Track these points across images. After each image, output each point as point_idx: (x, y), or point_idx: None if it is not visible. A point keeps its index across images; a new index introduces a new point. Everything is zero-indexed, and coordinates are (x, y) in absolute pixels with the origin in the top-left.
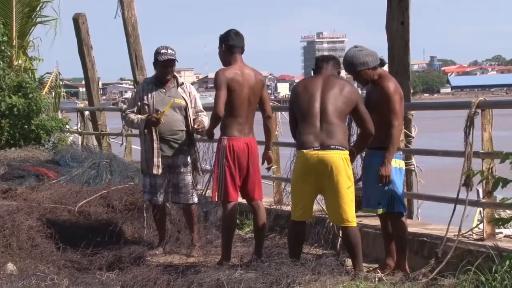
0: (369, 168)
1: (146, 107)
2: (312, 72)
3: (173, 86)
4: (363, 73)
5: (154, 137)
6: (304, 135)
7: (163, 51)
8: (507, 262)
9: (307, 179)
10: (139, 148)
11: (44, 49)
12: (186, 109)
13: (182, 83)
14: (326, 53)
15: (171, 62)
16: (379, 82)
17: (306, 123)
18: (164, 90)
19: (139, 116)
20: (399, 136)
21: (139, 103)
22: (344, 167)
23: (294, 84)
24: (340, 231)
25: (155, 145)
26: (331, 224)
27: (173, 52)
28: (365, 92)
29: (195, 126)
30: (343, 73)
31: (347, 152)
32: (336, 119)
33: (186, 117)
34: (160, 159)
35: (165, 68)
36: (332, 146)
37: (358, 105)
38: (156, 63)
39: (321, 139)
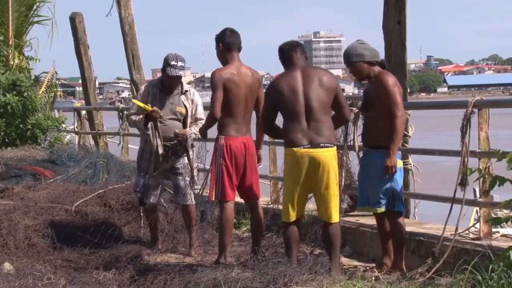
0: (369, 166)
1: None
2: (282, 63)
3: (176, 93)
4: (358, 65)
5: (158, 139)
6: (293, 133)
7: (173, 62)
8: (504, 261)
9: (297, 177)
10: (136, 147)
11: (42, 49)
12: (185, 117)
13: (187, 90)
14: (323, 52)
15: (179, 78)
16: (377, 78)
17: (293, 121)
18: (167, 97)
19: (140, 116)
20: (403, 127)
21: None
22: (333, 164)
23: (272, 80)
24: (326, 227)
25: (158, 143)
26: None
27: (183, 65)
28: (362, 91)
29: (177, 131)
30: (339, 72)
31: (335, 148)
32: (322, 116)
33: (184, 125)
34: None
35: (171, 81)
36: (321, 144)
37: (337, 91)
38: (164, 71)
39: (310, 137)
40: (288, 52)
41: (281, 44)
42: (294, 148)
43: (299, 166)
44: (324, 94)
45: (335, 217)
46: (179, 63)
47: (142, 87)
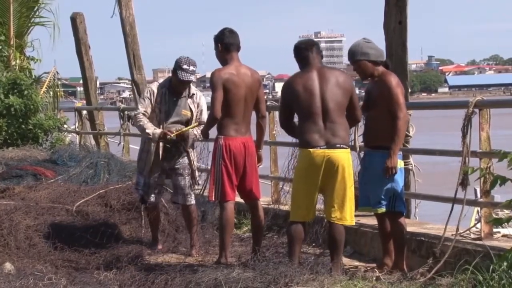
0: (370, 167)
1: (157, 110)
2: (297, 62)
3: (184, 96)
4: (362, 64)
5: (160, 147)
6: (309, 134)
7: (185, 66)
8: (505, 262)
9: (312, 178)
10: (137, 147)
11: (43, 50)
12: (189, 121)
13: (193, 94)
14: (324, 53)
15: (188, 83)
16: (380, 78)
17: (309, 122)
18: (175, 99)
19: (154, 130)
20: (405, 128)
21: (151, 105)
22: (349, 165)
23: (287, 80)
24: (332, 227)
25: (160, 151)
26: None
27: (194, 69)
28: (362, 91)
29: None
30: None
31: (349, 150)
32: (338, 117)
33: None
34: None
35: (181, 85)
36: (337, 145)
37: (352, 92)
38: (175, 74)
39: (326, 138)
40: (304, 52)
41: (296, 42)
42: (310, 149)
43: (315, 167)
44: (340, 95)
45: (348, 219)
46: (191, 68)
47: (152, 86)
